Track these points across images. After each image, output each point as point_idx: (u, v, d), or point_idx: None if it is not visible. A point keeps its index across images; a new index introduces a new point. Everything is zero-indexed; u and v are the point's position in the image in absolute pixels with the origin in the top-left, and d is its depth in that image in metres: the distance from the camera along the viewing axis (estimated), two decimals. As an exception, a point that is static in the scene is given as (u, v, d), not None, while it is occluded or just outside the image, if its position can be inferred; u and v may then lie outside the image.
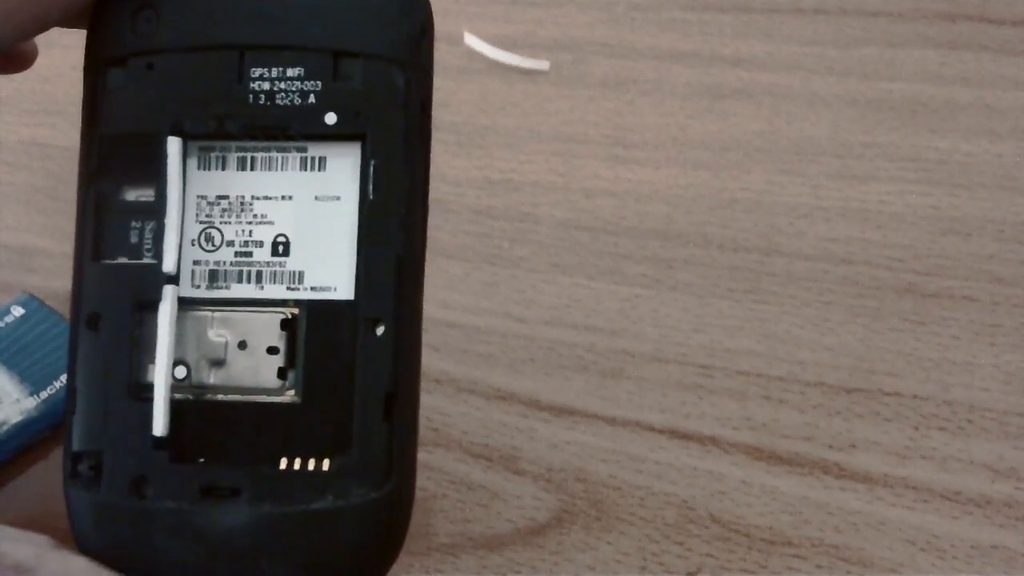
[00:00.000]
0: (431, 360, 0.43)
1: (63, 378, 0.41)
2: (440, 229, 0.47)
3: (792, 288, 0.44)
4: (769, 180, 0.47)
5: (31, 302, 0.44)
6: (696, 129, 0.50)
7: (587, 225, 0.47)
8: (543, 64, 0.53)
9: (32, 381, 0.41)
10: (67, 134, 0.52)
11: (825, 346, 0.42)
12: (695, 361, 0.42)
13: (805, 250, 0.45)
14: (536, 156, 0.50)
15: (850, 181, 0.47)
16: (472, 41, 0.54)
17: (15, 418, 0.40)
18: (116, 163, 0.25)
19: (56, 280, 0.47)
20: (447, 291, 0.45)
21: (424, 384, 0.42)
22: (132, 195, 0.25)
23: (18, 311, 0.43)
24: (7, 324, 0.43)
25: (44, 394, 0.41)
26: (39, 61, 0.30)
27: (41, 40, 0.29)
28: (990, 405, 0.40)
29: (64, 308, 0.44)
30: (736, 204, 0.47)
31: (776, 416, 0.41)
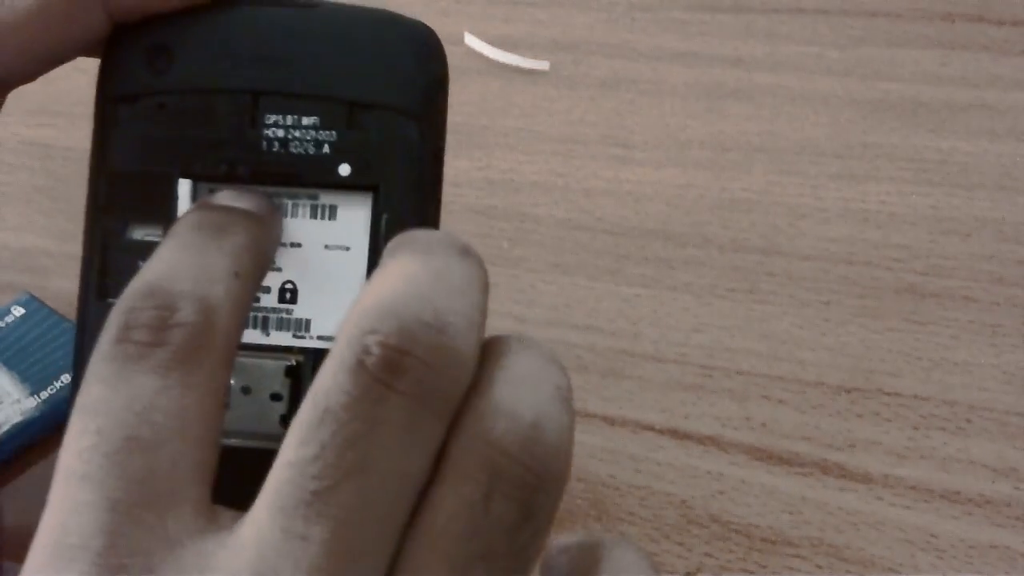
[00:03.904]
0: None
1: (64, 378, 0.41)
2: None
3: (792, 288, 0.44)
4: (769, 180, 0.47)
5: (31, 302, 0.44)
6: (696, 129, 0.50)
7: (587, 225, 0.47)
8: (543, 64, 0.53)
9: (32, 381, 0.41)
10: (68, 134, 0.52)
11: (825, 346, 0.42)
12: (695, 361, 0.42)
13: (805, 250, 0.45)
14: (536, 156, 0.50)
15: (850, 181, 0.47)
16: (472, 41, 0.54)
17: (15, 418, 0.40)
18: (124, 201, 0.25)
19: (56, 280, 0.47)
20: (447, 291, 0.45)
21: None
22: (139, 234, 0.25)
23: (18, 311, 0.43)
24: (7, 324, 0.43)
25: (44, 394, 0.41)
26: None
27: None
28: (990, 405, 0.40)
29: (64, 308, 0.44)
30: (736, 204, 0.47)
31: (776, 416, 0.41)
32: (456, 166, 0.49)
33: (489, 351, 0.19)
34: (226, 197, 0.23)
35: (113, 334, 0.19)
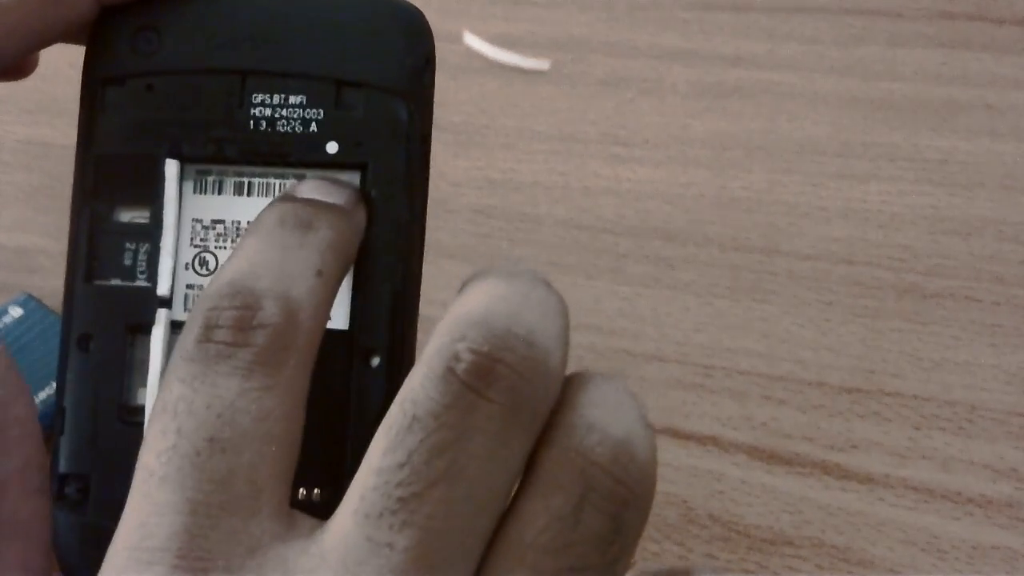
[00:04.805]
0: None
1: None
2: (440, 229, 0.46)
3: (793, 288, 0.44)
4: (770, 179, 0.47)
5: (30, 302, 0.44)
6: (696, 128, 0.50)
7: (587, 224, 0.47)
8: (543, 64, 0.53)
9: (31, 381, 0.41)
10: (66, 134, 0.52)
11: (826, 346, 0.42)
12: (695, 361, 0.42)
13: (806, 250, 0.45)
14: (536, 156, 0.50)
15: (851, 181, 0.47)
16: (472, 41, 0.53)
17: (14, 418, 0.40)
18: (111, 183, 0.25)
19: (55, 280, 0.46)
20: (447, 291, 0.45)
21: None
22: (127, 216, 0.25)
23: (17, 311, 0.43)
24: (6, 324, 0.43)
25: (43, 394, 0.41)
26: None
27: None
28: (991, 405, 0.40)
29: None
30: (737, 203, 0.47)
31: (777, 416, 0.41)
32: (456, 166, 0.49)
33: (571, 380, 0.19)
34: (311, 188, 0.23)
35: (196, 333, 0.19)
